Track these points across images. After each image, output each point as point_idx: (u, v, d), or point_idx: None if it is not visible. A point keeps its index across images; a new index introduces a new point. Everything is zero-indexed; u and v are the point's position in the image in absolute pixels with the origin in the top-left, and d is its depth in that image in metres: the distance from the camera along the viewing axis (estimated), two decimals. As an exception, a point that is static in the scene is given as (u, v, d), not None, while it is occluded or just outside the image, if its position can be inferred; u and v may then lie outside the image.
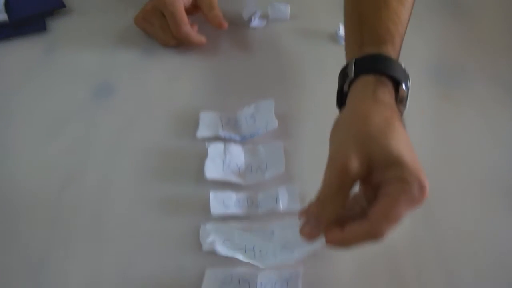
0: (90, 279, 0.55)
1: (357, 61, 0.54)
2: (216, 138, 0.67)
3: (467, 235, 0.58)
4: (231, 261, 0.55)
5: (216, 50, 0.79)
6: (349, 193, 0.47)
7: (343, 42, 0.60)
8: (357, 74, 0.53)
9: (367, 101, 0.50)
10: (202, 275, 0.54)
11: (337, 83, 0.56)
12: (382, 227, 0.45)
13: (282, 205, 0.60)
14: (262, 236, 0.54)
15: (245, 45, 0.80)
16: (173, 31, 0.76)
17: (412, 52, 0.65)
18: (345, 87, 0.54)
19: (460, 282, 0.54)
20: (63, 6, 0.85)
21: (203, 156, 0.64)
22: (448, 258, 0.56)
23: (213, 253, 0.56)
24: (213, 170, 0.63)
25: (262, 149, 0.66)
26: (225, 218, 0.59)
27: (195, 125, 0.69)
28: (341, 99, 0.55)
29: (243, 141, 0.67)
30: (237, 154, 0.66)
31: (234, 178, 0.63)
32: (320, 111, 0.68)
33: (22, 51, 0.80)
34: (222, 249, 0.55)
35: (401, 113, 0.54)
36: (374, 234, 0.46)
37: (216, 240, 0.56)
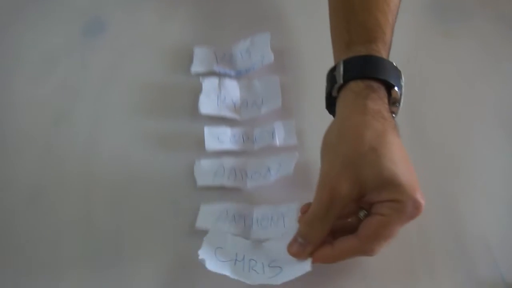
0: (82, 215, 0.55)
1: (345, 64, 0.50)
2: (211, 74, 0.65)
3: (465, 166, 0.58)
4: (226, 196, 0.55)
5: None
6: (337, 216, 0.46)
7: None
8: (346, 80, 0.49)
9: (357, 114, 0.47)
10: (197, 210, 0.54)
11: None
12: (372, 246, 0.45)
13: (279, 140, 0.58)
14: (253, 246, 0.51)
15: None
16: None
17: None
18: (334, 93, 0.51)
19: (460, 216, 0.54)
20: None
21: (198, 91, 0.63)
22: (445, 189, 0.55)
23: (208, 188, 0.56)
24: (207, 105, 0.62)
25: (258, 84, 0.64)
26: (220, 154, 0.58)
27: (189, 60, 0.67)
28: (330, 103, 0.52)
29: (239, 76, 0.65)
30: (232, 89, 0.64)
31: (229, 114, 0.62)
32: (318, 44, 0.65)
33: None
34: (211, 264, 0.48)
35: (394, 114, 0.51)
36: (364, 252, 0.46)
37: (208, 252, 0.50)
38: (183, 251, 0.52)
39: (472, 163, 0.58)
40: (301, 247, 0.47)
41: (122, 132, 0.61)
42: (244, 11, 0.73)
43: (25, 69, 0.68)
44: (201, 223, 0.53)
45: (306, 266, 0.47)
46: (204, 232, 0.51)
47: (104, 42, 0.70)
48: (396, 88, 0.49)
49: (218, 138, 0.59)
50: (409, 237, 0.52)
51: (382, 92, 0.49)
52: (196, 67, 0.66)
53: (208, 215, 0.54)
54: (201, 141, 0.59)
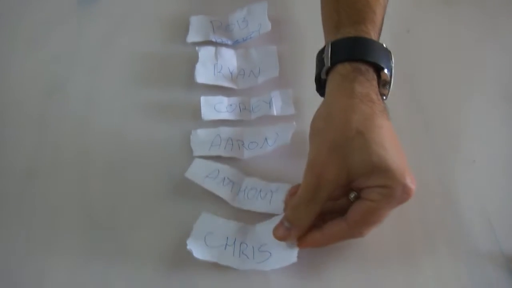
0: (77, 187, 0.54)
1: (333, 46, 0.49)
2: (207, 43, 0.65)
3: (464, 138, 0.57)
4: (219, 160, 0.55)
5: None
6: (324, 201, 0.45)
7: None
8: (334, 62, 0.48)
9: (344, 98, 0.46)
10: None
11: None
12: (361, 230, 0.45)
13: (276, 109, 0.58)
14: (245, 228, 0.51)
15: None
16: None
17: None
18: (322, 75, 0.50)
19: (459, 191, 0.54)
20: None
21: (194, 61, 0.62)
22: (444, 163, 0.55)
23: (204, 158, 0.55)
24: (204, 74, 0.61)
25: (255, 53, 0.63)
26: (217, 123, 0.58)
27: (185, 30, 0.66)
28: (320, 85, 0.51)
29: (235, 45, 0.64)
30: (229, 58, 0.63)
31: (226, 83, 0.61)
32: (315, 13, 0.64)
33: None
34: (198, 252, 0.48)
35: (385, 96, 0.50)
36: (353, 236, 0.46)
37: (197, 239, 0.49)
38: (179, 222, 0.51)
39: (471, 134, 0.57)
40: (287, 231, 0.46)
41: (117, 102, 0.60)
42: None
43: (19, 39, 0.67)
44: (190, 174, 0.53)
45: (292, 257, 0.47)
46: (195, 191, 0.52)
47: (99, 11, 0.69)
48: (385, 70, 0.48)
49: (215, 107, 0.58)
50: (407, 213, 0.51)
51: (371, 74, 0.48)
52: (192, 37, 0.65)
53: (200, 169, 0.54)
54: (197, 111, 0.58)
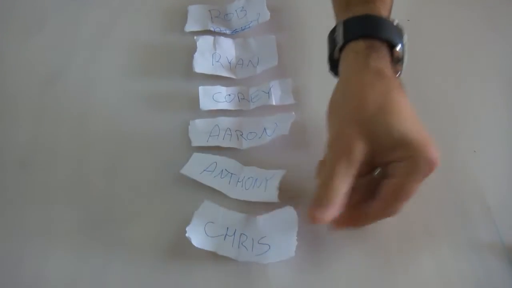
0: (75, 176, 0.54)
1: (345, 24, 0.49)
2: (206, 32, 0.64)
3: (464, 127, 0.57)
4: (217, 150, 0.55)
5: None
6: (353, 177, 0.45)
7: None
8: (346, 40, 0.48)
9: (359, 75, 0.46)
10: (192, 171, 0.53)
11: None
12: (394, 209, 0.45)
13: (275, 99, 0.57)
14: (246, 219, 0.50)
15: None
16: None
17: None
18: (335, 54, 0.50)
19: (459, 179, 0.53)
20: None
21: (192, 50, 0.62)
22: (445, 152, 0.55)
23: (203, 148, 0.55)
24: (202, 64, 0.60)
25: (253, 42, 0.63)
26: (215, 114, 0.57)
27: (184, 19, 0.66)
28: (333, 65, 0.51)
29: (234, 34, 0.64)
30: (228, 47, 0.63)
31: (224, 72, 0.60)
32: (314, 2, 0.64)
33: None
34: (198, 241, 0.48)
35: (399, 72, 0.50)
36: (387, 214, 0.46)
37: (196, 227, 0.49)
38: (178, 212, 0.51)
39: (472, 124, 0.57)
40: (321, 211, 0.45)
41: (116, 92, 0.60)
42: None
43: (16, 27, 0.66)
44: (186, 170, 0.53)
45: (290, 251, 0.46)
46: (194, 181, 0.51)
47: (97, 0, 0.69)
48: (398, 48, 0.48)
49: (213, 97, 0.58)
50: (407, 205, 0.51)
51: (384, 50, 0.48)
52: (191, 26, 0.65)
53: (197, 163, 0.53)
54: (195, 101, 0.58)
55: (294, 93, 0.58)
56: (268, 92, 0.58)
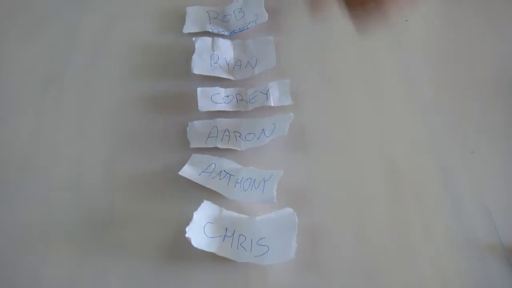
0: (74, 178, 0.54)
1: None
2: (204, 33, 0.64)
3: (462, 128, 0.57)
4: (216, 152, 0.55)
5: None
6: None
7: None
8: None
9: None
10: (190, 172, 0.53)
11: None
12: None
13: (273, 100, 0.57)
14: (246, 220, 0.50)
15: None
16: None
17: None
18: None
19: (457, 179, 0.53)
20: None
21: (190, 52, 0.61)
22: (443, 152, 0.55)
23: (202, 150, 0.55)
24: (200, 65, 0.60)
25: (251, 44, 0.63)
26: (214, 115, 0.57)
27: (182, 20, 0.65)
28: None
29: (232, 35, 0.64)
30: (226, 49, 0.63)
31: (222, 74, 0.60)
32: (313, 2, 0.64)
33: None
34: (197, 242, 0.48)
35: None
36: None
37: (196, 228, 0.49)
38: (177, 214, 0.51)
39: (470, 125, 0.57)
40: None
41: (114, 94, 0.60)
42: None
43: (16, 29, 0.66)
44: (184, 172, 0.53)
45: (290, 253, 0.46)
46: (193, 183, 0.51)
47: (95, 1, 0.68)
48: None
49: (212, 98, 0.58)
50: (406, 204, 0.51)
51: None
52: (189, 27, 0.65)
53: (195, 165, 0.53)
54: (194, 102, 0.57)
55: (292, 94, 0.58)
56: (267, 93, 0.58)
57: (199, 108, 0.57)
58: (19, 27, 0.66)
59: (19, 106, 0.59)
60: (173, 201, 0.52)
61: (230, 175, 0.53)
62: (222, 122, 0.57)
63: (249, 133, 0.56)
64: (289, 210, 0.49)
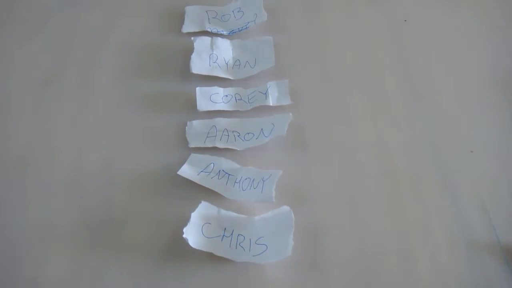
0: (73, 177, 0.54)
1: None
2: (203, 33, 0.64)
3: (461, 127, 0.57)
4: (215, 152, 0.55)
5: None
6: None
7: None
8: None
9: None
10: (189, 172, 0.53)
11: None
12: None
13: (272, 100, 0.57)
14: (245, 220, 0.50)
15: None
16: None
17: None
18: None
19: (455, 179, 0.53)
20: None
21: (189, 52, 0.61)
22: (442, 153, 0.55)
23: (200, 150, 0.55)
24: (199, 65, 0.60)
25: (250, 43, 0.63)
26: (212, 114, 0.57)
27: (181, 20, 0.66)
28: None
29: (231, 35, 0.64)
30: (225, 48, 0.63)
31: (221, 73, 0.60)
32: (312, 3, 0.64)
33: None
34: (195, 242, 0.48)
35: None
36: None
37: (193, 229, 0.49)
38: (175, 213, 0.51)
39: (469, 124, 0.57)
40: None
41: (112, 93, 0.60)
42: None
43: (15, 29, 0.66)
44: (183, 172, 0.53)
45: (287, 251, 0.46)
46: (191, 182, 0.51)
47: (94, 1, 0.68)
48: None
49: (210, 98, 0.58)
50: (404, 204, 0.51)
51: None
52: (188, 27, 0.65)
53: (194, 164, 0.53)
54: (192, 102, 0.58)
55: (291, 94, 0.58)
56: (265, 93, 0.58)
57: (198, 108, 0.57)
58: (19, 26, 0.66)
59: (18, 105, 0.59)
60: (172, 200, 0.52)
61: (229, 174, 0.53)
62: (221, 121, 0.57)
63: (248, 133, 0.56)
64: (285, 208, 0.49)
